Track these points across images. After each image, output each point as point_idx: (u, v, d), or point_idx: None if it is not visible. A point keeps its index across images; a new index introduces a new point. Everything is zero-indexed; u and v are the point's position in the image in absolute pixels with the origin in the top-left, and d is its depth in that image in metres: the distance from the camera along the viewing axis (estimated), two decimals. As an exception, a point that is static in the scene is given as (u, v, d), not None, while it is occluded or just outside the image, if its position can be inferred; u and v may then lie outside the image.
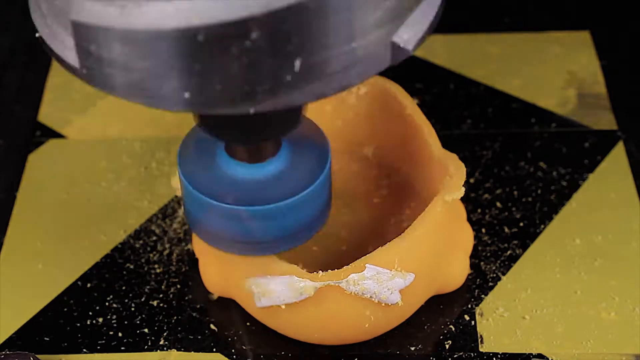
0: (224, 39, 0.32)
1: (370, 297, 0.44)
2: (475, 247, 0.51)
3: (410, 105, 0.51)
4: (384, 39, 0.35)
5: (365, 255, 0.51)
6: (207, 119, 0.40)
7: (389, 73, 0.62)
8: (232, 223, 0.43)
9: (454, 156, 0.48)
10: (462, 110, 0.59)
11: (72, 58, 0.35)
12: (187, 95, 0.34)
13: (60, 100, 0.61)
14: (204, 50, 0.33)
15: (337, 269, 0.50)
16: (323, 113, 0.54)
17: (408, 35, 0.36)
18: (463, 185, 0.46)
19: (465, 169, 0.47)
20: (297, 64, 0.34)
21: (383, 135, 0.53)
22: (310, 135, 0.45)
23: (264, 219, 0.42)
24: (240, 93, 0.34)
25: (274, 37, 0.33)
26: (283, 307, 0.44)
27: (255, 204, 0.42)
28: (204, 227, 0.44)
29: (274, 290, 0.44)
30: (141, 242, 0.53)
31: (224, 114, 0.35)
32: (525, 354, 0.47)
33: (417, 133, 0.50)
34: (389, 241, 0.51)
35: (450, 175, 0.47)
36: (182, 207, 0.47)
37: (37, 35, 0.37)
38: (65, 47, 0.36)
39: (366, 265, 0.43)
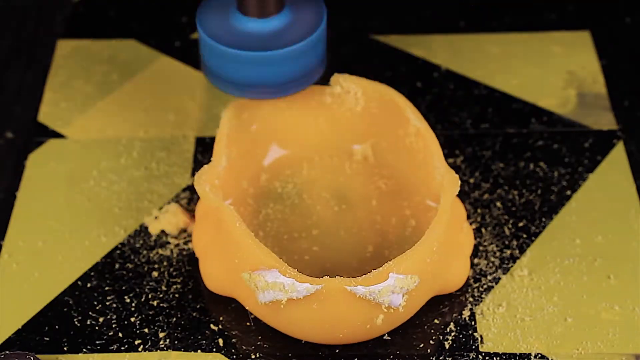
0: None
1: (374, 299, 0.44)
2: (475, 247, 0.51)
3: (415, 116, 0.51)
4: None
5: (364, 255, 0.51)
6: None
7: (390, 73, 0.62)
8: (243, 68, 0.50)
9: (453, 176, 0.48)
10: (462, 110, 0.59)
11: None
12: None
13: (60, 100, 0.61)
14: None
15: (337, 268, 0.50)
16: (323, 114, 0.54)
17: None
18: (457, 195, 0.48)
19: (457, 186, 0.48)
20: None
21: (384, 136, 0.53)
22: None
23: (269, 64, 0.50)
24: None
25: None
26: (284, 302, 0.44)
27: (262, 50, 0.50)
28: (220, 74, 0.52)
29: (274, 282, 0.44)
30: (141, 242, 0.53)
31: None
32: (525, 354, 0.47)
33: (422, 146, 0.51)
34: (389, 241, 0.51)
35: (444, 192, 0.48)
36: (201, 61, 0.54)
37: None
38: None
39: (390, 274, 0.44)
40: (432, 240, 0.46)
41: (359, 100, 0.53)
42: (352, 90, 0.53)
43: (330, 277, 0.49)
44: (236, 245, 0.46)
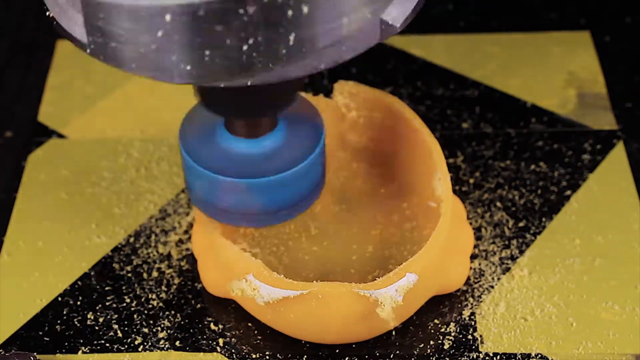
0: (223, 13, 0.35)
1: (375, 297, 0.44)
2: (475, 247, 0.51)
3: (416, 120, 0.51)
4: (373, 16, 0.38)
5: (364, 255, 0.51)
6: (208, 93, 0.43)
7: (390, 73, 0.62)
8: (231, 195, 0.45)
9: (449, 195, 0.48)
10: (462, 110, 0.59)
11: (80, 34, 0.38)
12: (188, 67, 0.36)
13: (60, 100, 0.61)
14: (204, 24, 0.35)
15: (337, 268, 0.50)
16: (324, 114, 0.54)
17: (396, 13, 0.38)
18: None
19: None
20: (292, 38, 0.36)
21: (384, 137, 0.53)
22: (305, 114, 0.47)
23: (260, 191, 0.45)
24: (239, 66, 0.36)
25: (270, 13, 0.35)
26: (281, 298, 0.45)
27: (252, 177, 0.44)
28: (205, 200, 0.46)
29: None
30: (141, 242, 0.53)
31: (223, 86, 0.37)
32: (525, 354, 0.47)
33: (422, 148, 0.51)
34: (389, 241, 0.51)
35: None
36: (184, 184, 0.50)
37: (47, 14, 0.39)
38: (74, 24, 0.38)
39: (407, 273, 0.45)
40: (434, 255, 0.46)
41: (360, 107, 0.53)
42: (354, 98, 0.53)
43: (330, 276, 0.50)
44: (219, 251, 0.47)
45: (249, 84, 0.37)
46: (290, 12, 0.35)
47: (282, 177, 0.44)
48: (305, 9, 0.35)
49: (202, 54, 0.36)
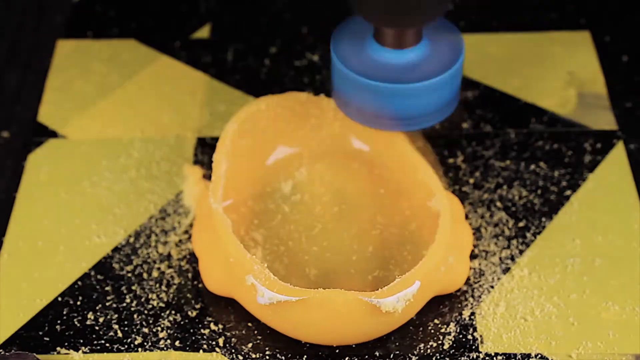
0: None
1: (378, 304, 0.44)
2: (475, 247, 0.51)
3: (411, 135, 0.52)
4: None
5: (364, 255, 0.51)
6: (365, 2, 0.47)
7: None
8: (378, 99, 0.49)
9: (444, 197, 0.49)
10: (462, 110, 0.59)
11: None
12: None
13: (60, 100, 0.61)
14: None
15: (337, 268, 0.50)
16: (324, 115, 0.54)
17: None
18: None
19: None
20: None
21: (385, 138, 0.53)
22: (447, 32, 0.51)
23: (403, 96, 0.49)
24: None
25: None
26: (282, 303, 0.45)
27: (396, 82, 0.49)
28: (352, 104, 0.51)
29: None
30: (141, 242, 0.53)
31: None
32: (525, 354, 0.47)
33: (410, 154, 0.51)
34: (389, 242, 0.51)
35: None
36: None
37: None
38: None
39: (416, 281, 0.45)
40: (436, 262, 0.46)
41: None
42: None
43: (330, 276, 0.50)
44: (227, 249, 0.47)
45: None
46: None
47: (421, 85, 0.49)
48: None
49: None
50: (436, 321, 0.48)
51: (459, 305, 0.49)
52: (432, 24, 0.50)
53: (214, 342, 0.48)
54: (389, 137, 0.53)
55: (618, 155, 0.56)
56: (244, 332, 0.48)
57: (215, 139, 0.56)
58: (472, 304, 0.49)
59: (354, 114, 0.51)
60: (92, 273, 0.51)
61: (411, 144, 0.52)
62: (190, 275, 0.51)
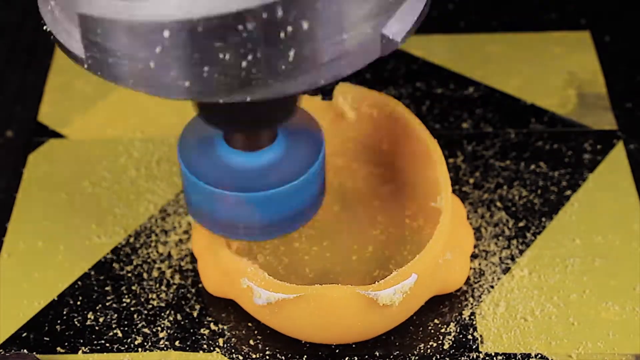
0: (221, 30, 0.34)
1: (375, 297, 0.44)
2: (475, 247, 0.51)
3: (415, 122, 0.51)
4: (374, 31, 0.37)
5: (364, 255, 0.51)
6: (207, 108, 0.42)
7: (390, 73, 0.62)
8: (230, 209, 0.45)
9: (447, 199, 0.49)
10: (462, 110, 0.59)
11: (78, 49, 0.37)
12: (187, 84, 0.36)
13: (60, 100, 0.61)
14: (203, 40, 0.35)
15: (337, 268, 0.50)
16: (325, 115, 0.54)
17: (397, 28, 0.38)
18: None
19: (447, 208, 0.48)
20: (291, 54, 0.36)
21: (385, 138, 0.53)
22: (305, 126, 0.47)
23: (260, 204, 0.44)
24: (238, 82, 0.36)
25: (269, 29, 0.35)
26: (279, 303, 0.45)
27: (252, 191, 0.44)
28: (205, 214, 0.46)
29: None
30: (141, 242, 0.53)
31: (222, 102, 0.37)
32: (525, 354, 0.47)
33: (423, 150, 0.51)
34: (389, 241, 0.51)
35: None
36: (183, 196, 0.50)
37: (44, 28, 0.39)
38: (71, 38, 0.38)
39: (412, 274, 0.45)
40: (434, 256, 0.46)
41: (360, 108, 0.53)
42: (354, 103, 0.53)
43: (330, 276, 0.50)
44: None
45: (248, 99, 0.36)
46: (290, 28, 0.35)
47: (280, 190, 0.44)
48: (305, 25, 0.35)
49: (201, 70, 0.35)
50: (436, 321, 0.48)
51: (459, 305, 0.49)
52: (287, 123, 0.45)
53: (214, 342, 0.48)
54: (390, 137, 0.53)
55: (618, 155, 0.56)
56: (244, 332, 0.48)
57: (215, 139, 0.56)
58: (472, 304, 0.49)
59: (213, 226, 0.47)
60: (92, 273, 0.51)
61: (413, 143, 0.52)
62: (190, 275, 0.51)
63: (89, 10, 0.36)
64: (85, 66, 0.37)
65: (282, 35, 0.35)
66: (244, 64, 0.35)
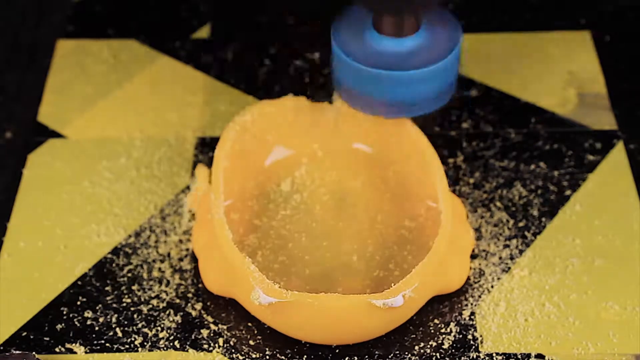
0: None
1: (390, 304, 0.44)
2: (475, 247, 0.51)
3: (411, 127, 0.52)
4: None
5: (364, 255, 0.51)
6: None
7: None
8: (375, 86, 0.51)
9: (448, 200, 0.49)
10: (462, 110, 0.59)
11: None
12: None
13: (60, 100, 0.61)
14: None
15: (337, 268, 0.50)
16: (325, 115, 0.54)
17: None
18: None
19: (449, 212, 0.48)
20: None
21: (384, 139, 0.53)
22: (444, 21, 0.53)
23: (400, 83, 0.50)
24: None
25: None
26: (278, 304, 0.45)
27: (395, 69, 0.50)
28: (352, 91, 0.52)
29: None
30: (141, 242, 0.53)
31: None
32: (525, 354, 0.47)
33: (416, 151, 0.51)
34: (389, 241, 0.51)
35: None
36: (334, 78, 0.54)
37: None
38: None
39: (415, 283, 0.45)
40: (445, 238, 0.46)
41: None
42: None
43: (330, 276, 0.50)
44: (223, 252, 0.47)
45: None
46: None
47: (417, 72, 0.50)
48: None
49: None
50: (436, 321, 0.48)
51: (459, 305, 0.49)
52: (431, 13, 0.52)
53: (214, 342, 0.48)
54: (390, 137, 0.53)
55: (618, 155, 0.56)
56: (244, 332, 0.48)
57: (216, 139, 0.56)
58: (472, 304, 0.49)
59: (354, 102, 0.53)
60: (92, 273, 0.51)
61: (413, 143, 0.52)
62: (190, 275, 0.51)
63: None
64: None
65: None
66: None
